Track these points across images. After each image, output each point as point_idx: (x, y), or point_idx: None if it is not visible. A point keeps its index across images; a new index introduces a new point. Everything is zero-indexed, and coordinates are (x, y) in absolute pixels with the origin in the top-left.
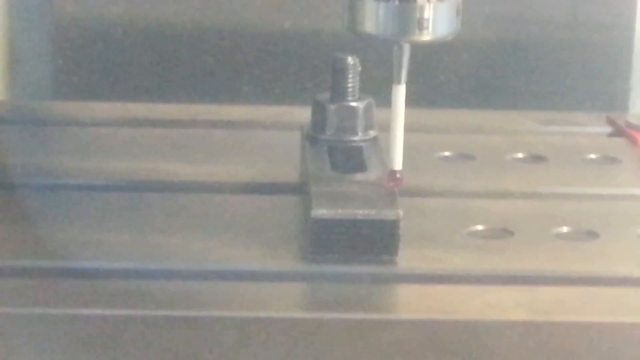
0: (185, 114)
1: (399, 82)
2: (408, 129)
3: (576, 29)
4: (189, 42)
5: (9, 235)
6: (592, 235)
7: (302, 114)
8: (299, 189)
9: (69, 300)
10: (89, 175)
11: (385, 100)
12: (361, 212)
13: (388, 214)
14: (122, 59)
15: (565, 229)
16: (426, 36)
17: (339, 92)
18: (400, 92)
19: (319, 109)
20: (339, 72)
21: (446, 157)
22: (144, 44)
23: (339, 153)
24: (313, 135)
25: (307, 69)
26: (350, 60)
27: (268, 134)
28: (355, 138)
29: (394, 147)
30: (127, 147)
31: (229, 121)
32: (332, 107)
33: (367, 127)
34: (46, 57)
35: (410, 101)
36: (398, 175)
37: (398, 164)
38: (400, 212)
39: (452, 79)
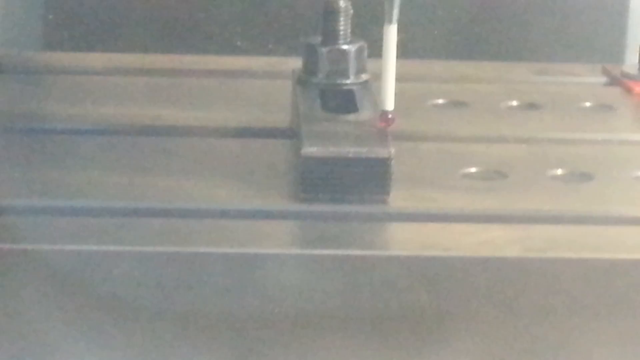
0: (178, 63)
1: (390, 22)
2: (402, 78)
3: None
4: None
5: (7, 176)
6: (587, 177)
7: (295, 64)
8: (290, 134)
9: (63, 237)
10: (80, 120)
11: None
12: (352, 150)
13: (379, 152)
14: (113, 13)
15: (559, 172)
16: None
17: (330, 35)
18: (392, 32)
19: (310, 52)
20: (330, 14)
21: (439, 104)
22: None
23: (330, 96)
24: (304, 79)
25: (301, 21)
26: (341, 2)
27: (260, 83)
28: (347, 81)
29: (386, 87)
30: (119, 94)
31: (221, 70)
32: (323, 50)
33: (359, 70)
34: (36, 12)
35: (405, 52)
36: (390, 116)
37: (390, 104)
38: (392, 150)
39: (447, 31)
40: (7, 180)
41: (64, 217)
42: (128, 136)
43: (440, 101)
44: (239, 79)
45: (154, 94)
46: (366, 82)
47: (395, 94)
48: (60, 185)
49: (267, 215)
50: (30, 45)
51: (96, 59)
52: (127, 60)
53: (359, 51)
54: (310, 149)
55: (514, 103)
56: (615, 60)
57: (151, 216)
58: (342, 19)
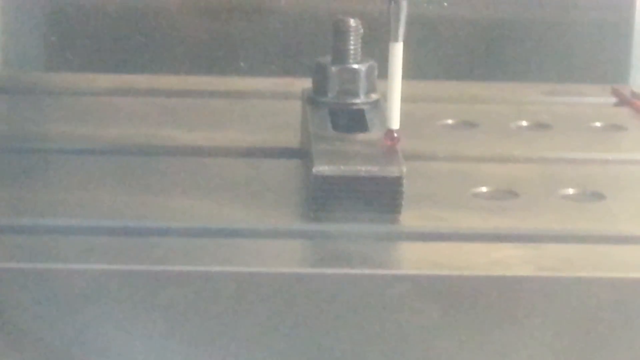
0: (186, 84)
1: (396, 40)
2: (411, 98)
3: (579, 6)
4: (183, 16)
5: (13, 195)
6: (598, 196)
7: (303, 84)
8: (300, 154)
9: (71, 256)
10: (89, 141)
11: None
12: (364, 169)
13: (391, 171)
14: (115, 34)
15: (570, 191)
16: None
17: (340, 55)
18: (397, 50)
19: (320, 72)
20: (340, 34)
21: (449, 124)
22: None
23: (340, 115)
24: (314, 98)
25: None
26: (352, 22)
27: (269, 103)
28: (357, 101)
29: (391, 105)
30: (129, 115)
31: (229, 91)
32: (333, 69)
33: (369, 89)
34: (40, 32)
35: (417, 73)
36: (395, 135)
37: (395, 122)
38: (404, 169)
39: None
40: (14, 199)
41: (77, 236)
42: (137, 157)
43: (450, 121)
44: (248, 99)
45: (162, 115)
46: (377, 101)
47: (406, 115)
48: (72, 205)
49: (279, 234)
50: (33, 65)
51: (101, 80)
52: (134, 81)
53: (369, 70)
54: (322, 168)
55: (524, 123)
56: (619, 81)
57: (162, 236)
58: (352, 38)
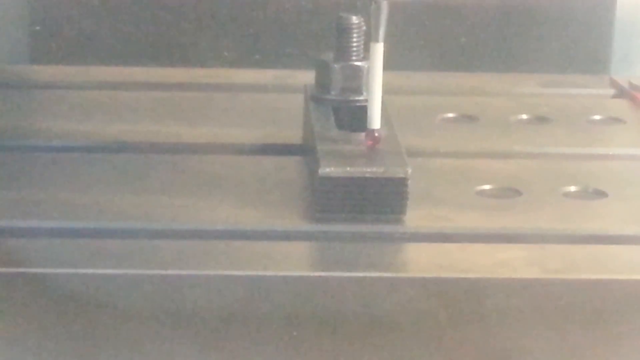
0: (184, 77)
1: (376, 40)
2: (410, 91)
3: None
4: (169, 6)
5: (9, 196)
6: (600, 194)
7: (304, 77)
8: (303, 150)
9: (76, 260)
10: (88, 137)
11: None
12: (369, 170)
13: (397, 172)
14: (99, 25)
15: (573, 188)
16: None
17: (343, 52)
18: (378, 51)
19: (323, 69)
20: (343, 31)
21: (450, 118)
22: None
23: (343, 112)
24: (317, 95)
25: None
26: (354, 19)
27: (269, 97)
28: (360, 98)
29: (372, 105)
30: (128, 109)
31: (229, 84)
32: (336, 66)
33: None
34: (23, 23)
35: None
36: (376, 134)
37: (376, 122)
38: (409, 170)
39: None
40: (9, 200)
41: (78, 239)
42: (136, 154)
43: (451, 115)
44: (247, 92)
45: (162, 110)
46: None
47: (406, 108)
48: (72, 206)
49: (284, 236)
50: (17, 58)
51: (95, 72)
52: (129, 74)
53: None
54: (327, 170)
55: (524, 117)
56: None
57: (166, 238)
58: (354, 35)
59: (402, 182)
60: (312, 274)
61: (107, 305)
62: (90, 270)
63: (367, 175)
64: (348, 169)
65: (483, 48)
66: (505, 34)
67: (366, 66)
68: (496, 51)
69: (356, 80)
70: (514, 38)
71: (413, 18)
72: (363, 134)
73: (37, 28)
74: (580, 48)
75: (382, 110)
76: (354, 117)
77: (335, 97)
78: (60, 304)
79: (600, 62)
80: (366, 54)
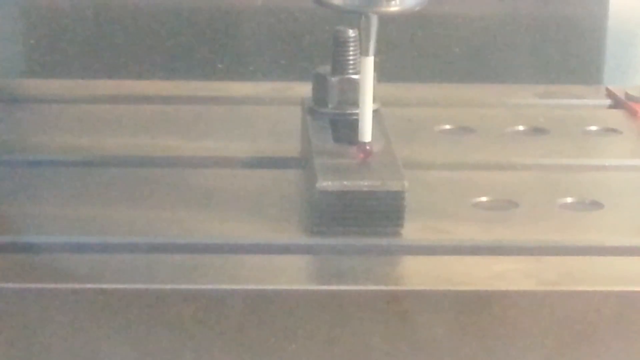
0: (181, 90)
1: (366, 54)
2: (407, 103)
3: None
4: (163, 19)
5: (15, 210)
6: (597, 205)
7: (302, 89)
8: (300, 163)
9: (77, 275)
10: (85, 151)
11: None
12: (366, 184)
13: (393, 185)
14: (95, 38)
15: (569, 200)
16: (394, 7)
17: (340, 65)
18: (368, 64)
19: (320, 82)
20: (340, 44)
21: (446, 130)
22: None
23: (341, 126)
24: (314, 109)
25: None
26: (351, 32)
27: (266, 109)
28: (357, 111)
29: (363, 118)
30: (126, 123)
31: (226, 97)
32: (333, 79)
33: None
34: (18, 37)
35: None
36: (367, 147)
37: (367, 135)
38: (406, 183)
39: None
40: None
41: (75, 254)
42: (133, 168)
43: (447, 127)
44: (244, 105)
45: (160, 123)
46: (376, 111)
47: (403, 120)
48: (69, 221)
49: (282, 249)
50: (12, 71)
51: (90, 87)
52: (130, 87)
53: None
54: (325, 184)
55: (520, 128)
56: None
57: (162, 252)
58: (351, 48)
59: (399, 195)
60: (310, 287)
61: (105, 319)
62: (89, 285)
63: (364, 188)
64: (345, 182)
65: (475, 58)
66: (497, 45)
67: None
68: (488, 62)
69: (353, 93)
70: (506, 48)
71: (404, 30)
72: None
73: (32, 42)
74: (573, 58)
75: (379, 122)
76: (351, 130)
77: (332, 110)
78: (61, 318)
79: (593, 72)
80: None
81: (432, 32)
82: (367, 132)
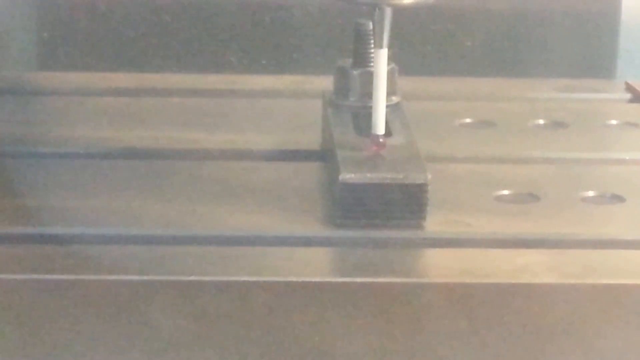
0: (200, 83)
1: (380, 46)
2: (428, 96)
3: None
4: (176, 12)
5: (37, 203)
6: (618, 199)
7: (320, 83)
8: (321, 156)
9: (102, 267)
10: (107, 143)
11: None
12: (389, 176)
13: (416, 178)
14: (108, 31)
15: (591, 193)
16: None
17: (361, 58)
18: (382, 56)
19: (341, 75)
20: (361, 37)
21: (467, 123)
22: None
23: (362, 119)
24: (336, 102)
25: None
26: (372, 25)
27: (286, 103)
28: None
29: (377, 111)
30: (147, 116)
31: (246, 90)
32: (355, 73)
33: (390, 92)
34: (31, 30)
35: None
36: (381, 140)
37: (381, 128)
38: (429, 176)
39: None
40: (35, 208)
41: (98, 246)
42: (154, 161)
43: (468, 120)
44: (264, 98)
45: (181, 116)
46: (397, 104)
47: (424, 114)
48: (91, 213)
49: (304, 241)
50: (25, 65)
51: (109, 79)
52: (151, 80)
53: (390, 73)
54: (348, 176)
55: (541, 122)
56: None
57: (185, 244)
58: (372, 41)
59: (422, 188)
60: (332, 279)
61: (128, 311)
62: (112, 277)
63: (387, 181)
64: (368, 175)
65: (488, 52)
66: (510, 38)
67: None
68: (501, 55)
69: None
70: (518, 42)
71: (417, 23)
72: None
73: (45, 35)
74: (586, 52)
75: (400, 115)
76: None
77: (354, 103)
78: (86, 310)
79: (606, 66)
80: None
81: (445, 26)
82: (380, 125)
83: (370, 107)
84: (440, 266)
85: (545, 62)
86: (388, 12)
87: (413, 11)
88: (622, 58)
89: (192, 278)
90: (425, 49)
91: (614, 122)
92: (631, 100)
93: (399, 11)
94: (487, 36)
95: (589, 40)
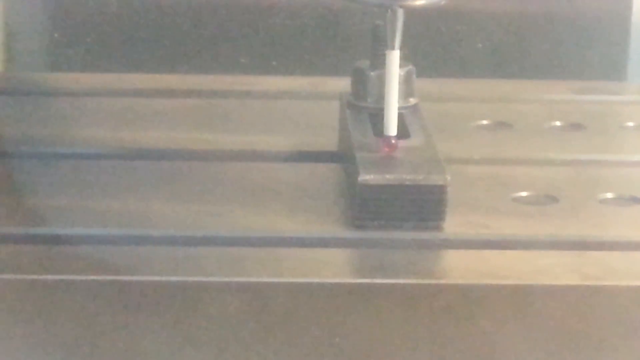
0: (219, 84)
1: (392, 48)
2: (444, 98)
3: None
4: (187, 13)
5: (53, 203)
6: (637, 201)
7: (337, 84)
8: (339, 157)
9: (119, 268)
10: (123, 144)
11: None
12: (408, 177)
13: (436, 179)
14: (119, 32)
15: (609, 195)
16: (420, 1)
17: (379, 59)
18: (394, 58)
19: (359, 77)
20: (379, 39)
21: (484, 125)
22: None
23: (380, 120)
24: (354, 103)
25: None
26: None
27: (303, 104)
28: (397, 105)
29: (389, 112)
30: (163, 117)
31: (262, 91)
32: (372, 74)
33: (408, 94)
34: (42, 30)
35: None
36: (393, 141)
37: (393, 129)
38: (448, 177)
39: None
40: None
41: (115, 247)
42: (170, 162)
43: (485, 122)
44: (280, 99)
45: (197, 117)
46: (415, 105)
47: (441, 115)
48: (108, 214)
49: (323, 242)
50: (36, 65)
51: (122, 80)
52: (166, 81)
53: (408, 75)
54: (367, 177)
55: (558, 123)
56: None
57: (204, 245)
58: None
59: (441, 189)
60: (352, 280)
61: (147, 312)
62: (132, 278)
63: (407, 182)
64: (387, 176)
65: (499, 54)
66: (520, 40)
67: (402, 73)
68: (512, 57)
69: None
70: (528, 44)
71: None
72: (401, 141)
73: (56, 35)
74: (596, 54)
75: (418, 116)
76: None
77: (371, 105)
78: (103, 311)
79: (617, 68)
80: (401, 61)
81: (455, 28)
82: (392, 126)
83: None
84: (460, 268)
85: (556, 65)
86: (400, 13)
87: (424, 13)
88: (633, 60)
89: (212, 279)
90: (437, 51)
91: (630, 124)
92: None
93: (410, 13)
94: (499, 38)
95: (600, 42)
